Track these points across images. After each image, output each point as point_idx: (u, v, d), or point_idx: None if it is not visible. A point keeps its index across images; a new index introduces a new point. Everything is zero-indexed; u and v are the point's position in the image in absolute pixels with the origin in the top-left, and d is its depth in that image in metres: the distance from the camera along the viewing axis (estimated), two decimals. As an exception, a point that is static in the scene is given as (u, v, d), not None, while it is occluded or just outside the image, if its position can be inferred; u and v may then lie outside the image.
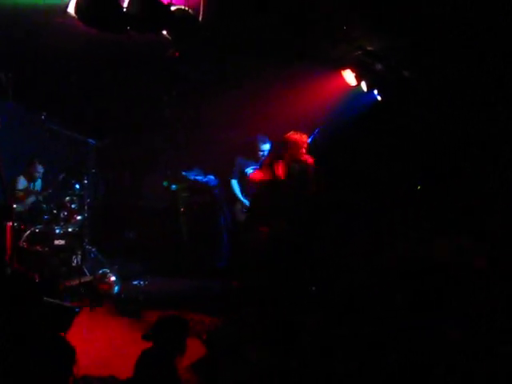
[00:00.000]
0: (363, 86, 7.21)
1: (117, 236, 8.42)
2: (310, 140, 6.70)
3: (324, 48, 6.55)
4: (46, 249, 6.59)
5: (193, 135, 8.42)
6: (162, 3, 4.76)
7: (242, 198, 7.36)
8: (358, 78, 7.09)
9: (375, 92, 7.40)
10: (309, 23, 5.91)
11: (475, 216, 6.67)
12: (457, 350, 4.28)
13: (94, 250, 7.23)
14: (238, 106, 7.84)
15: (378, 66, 7.21)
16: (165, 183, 8.35)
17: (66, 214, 6.99)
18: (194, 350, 4.32)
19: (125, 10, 4.59)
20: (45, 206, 7.02)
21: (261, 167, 6.55)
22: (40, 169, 7.42)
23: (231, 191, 7.47)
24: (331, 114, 7.46)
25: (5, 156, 6.95)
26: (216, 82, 7.84)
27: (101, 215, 7.97)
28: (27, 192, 7.23)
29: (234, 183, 7.44)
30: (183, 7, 4.95)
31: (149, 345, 3.73)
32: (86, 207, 7.14)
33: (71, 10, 4.46)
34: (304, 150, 6.04)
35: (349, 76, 7.09)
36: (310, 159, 6.03)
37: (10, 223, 5.63)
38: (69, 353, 3.47)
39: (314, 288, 5.91)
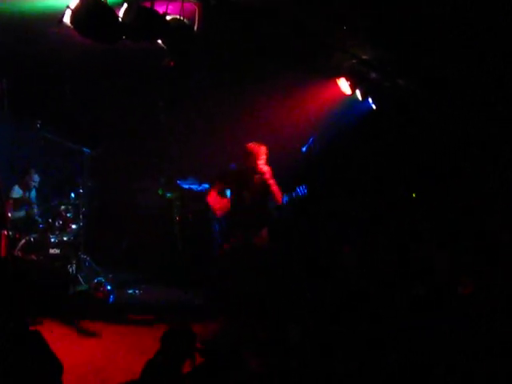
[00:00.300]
0: (358, 94, 7.26)
1: (112, 245, 8.39)
2: (304, 148, 6.73)
3: (319, 57, 6.59)
4: (41, 257, 6.56)
5: (187, 144, 8.42)
6: (157, 13, 4.78)
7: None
8: (353, 87, 7.13)
9: (370, 100, 7.45)
10: (305, 33, 5.94)
11: (475, 216, 6.70)
12: (457, 350, 4.27)
13: (88, 258, 7.20)
14: (233, 114, 7.87)
15: (373, 75, 7.26)
16: (160, 191, 8.35)
17: (61, 222, 6.96)
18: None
19: (120, 19, 4.60)
20: (38, 217, 7.01)
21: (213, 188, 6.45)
22: (36, 178, 7.39)
23: None
24: (326, 123, 7.50)
25: (0, 164, 6.99)
26: (211, 90, 7.87)
27: (96, 224, 7.93)
28: (22, 201, 7.21)
29: (228, 192, 7.42)
30: (178, 17, 4.98)
31: (149, 356, 3.70)
32: (81, 216, 7.12)
33: (67, 19, 4.46)
34: (263, 161, 5.96)
35: (344, 85, 7.13)
36: (268, 170, 5.96)
37: (5, 232, 5.66)
38: (55, 365, 3.39)
39: (308, 294, 5.93)
